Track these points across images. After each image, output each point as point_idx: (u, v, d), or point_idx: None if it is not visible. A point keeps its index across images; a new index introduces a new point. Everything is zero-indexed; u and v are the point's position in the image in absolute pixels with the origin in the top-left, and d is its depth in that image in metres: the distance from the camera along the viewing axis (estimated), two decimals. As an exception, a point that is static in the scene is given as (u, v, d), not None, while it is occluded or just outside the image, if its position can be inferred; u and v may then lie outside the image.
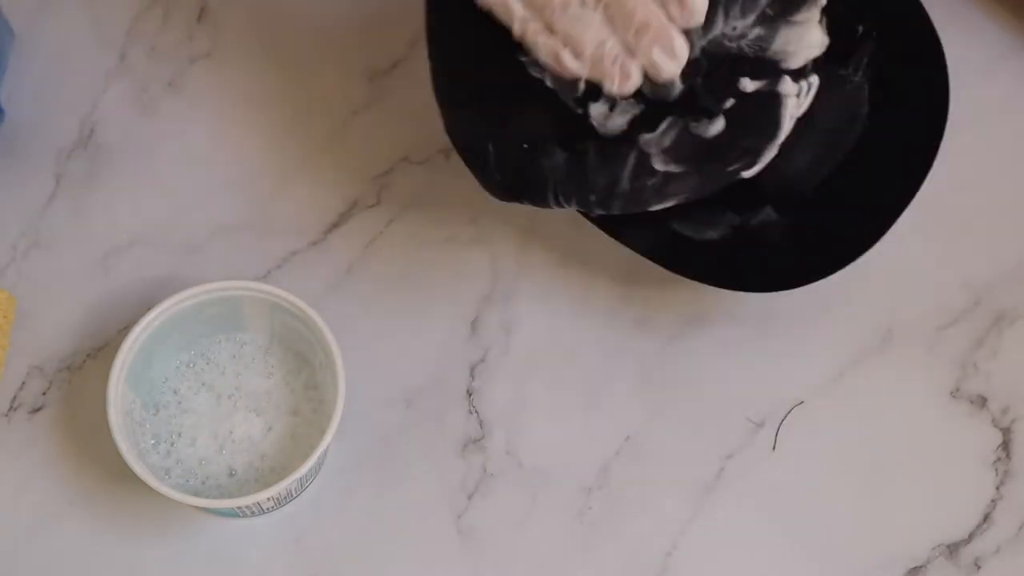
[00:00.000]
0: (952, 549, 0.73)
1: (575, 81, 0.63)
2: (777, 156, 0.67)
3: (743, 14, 0.64)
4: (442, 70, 0.68)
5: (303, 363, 0.72)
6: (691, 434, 0.74)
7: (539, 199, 0.68)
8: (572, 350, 0.76)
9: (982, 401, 0.75)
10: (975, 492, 0.74)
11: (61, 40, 0.81)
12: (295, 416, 0.72)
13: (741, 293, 0.74)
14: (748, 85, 0.65)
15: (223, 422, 0.71)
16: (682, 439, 0.74)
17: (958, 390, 0.75)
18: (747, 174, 0.67)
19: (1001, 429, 0.75)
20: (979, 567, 0.73)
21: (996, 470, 0.74)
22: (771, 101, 0.66)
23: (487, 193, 0.69)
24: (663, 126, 0.65)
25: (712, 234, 0.71)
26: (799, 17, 0.66)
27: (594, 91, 0.64)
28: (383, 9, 0.81)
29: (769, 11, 0.65)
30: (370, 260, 0.77)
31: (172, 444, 0.71)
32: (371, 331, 0.76)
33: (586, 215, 0.70)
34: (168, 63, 0.80)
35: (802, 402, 0.75)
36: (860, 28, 0.70)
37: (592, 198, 0.67)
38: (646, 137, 0.65)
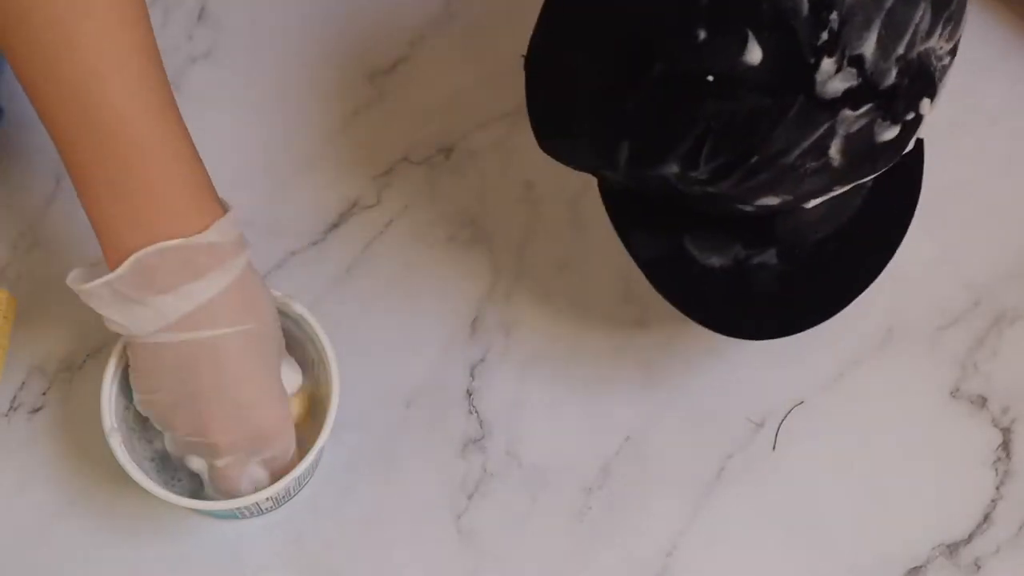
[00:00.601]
0: (952, 549, 0.73)
1: (826, 24, 0.60)
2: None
3: (951, 37, 0.64)
4: None
5: (298, 362, 0.72)
6: (691, 434, 0.74)
7: (664, 142, 0.63)
8: (572, 350, 0.76)
9: (982, 401, 0.75)
10: (975, 492, 0.74)
11: (61, 40, 0.81)
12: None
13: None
14: (925, 107, 0.64)
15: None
16: (682, 439, 0.74)
17: (958, 390, 0.75)
18: (836, 191, 0.66)
19: (1001, 429, 0.75)
20: (979, 567, 0.72)
21: (996, 470, 0.74)
22: (912, 130, 0.65)
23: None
24: (864, 109, 0.62)
25: (716, 261, 0.70)
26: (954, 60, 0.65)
27: (833, 46, 0.61)
28: (383, 9, 0.81)
29: (956, 45, 0.64)
30: (370, 260, 0.77)
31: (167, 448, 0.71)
32: (371, 331, 0.76)
33: (627, 199, 0.68)
34: (168, 63, 0.80)
35: (802, 402, 0.75)
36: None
37: (754, 159, 0.62)
38: (847, 113, 0.62)
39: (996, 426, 0.75)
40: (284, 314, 0.70)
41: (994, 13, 0.82)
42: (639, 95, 0.62)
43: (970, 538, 0.73)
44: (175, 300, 0.64)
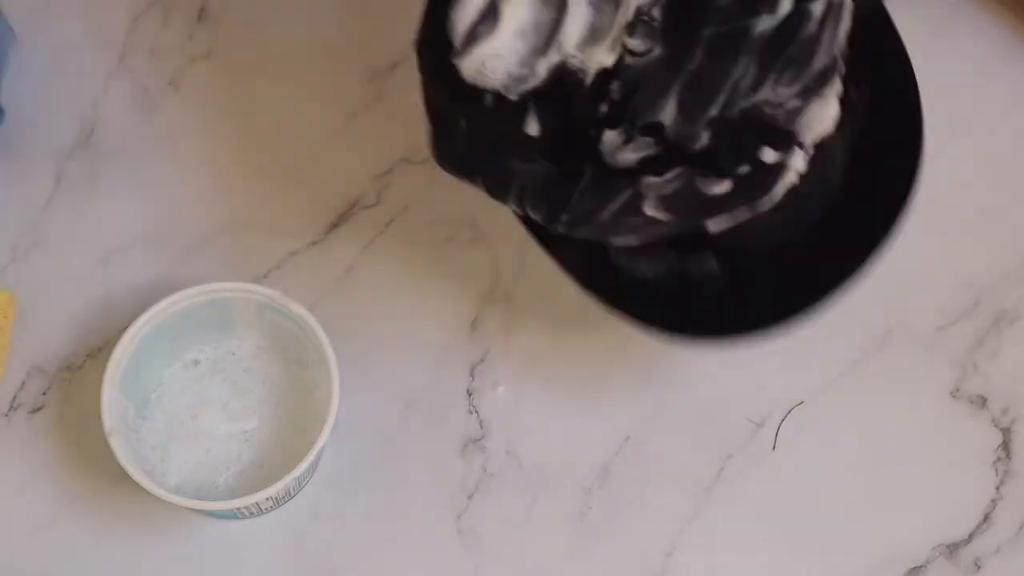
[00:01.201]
0: (952, 549, 0.73)
1: (606, 96, 0.60)
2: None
3: (791, 83, 0.61)
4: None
5: (297, 362, 0.72)
6: (691, 434, 0.74)
7: (496, 188, 0.64)
8: (572, 350, 0.76)
9: (982, 401, 0.75)
10: (975, 492, 0.74)
11: (61, 40, 0.81)
12: (291, 415, 0.72)
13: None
14: (768, 156, 0.62)
15: (218, 423, 0.71)
16: (682, 439, 0.74)
17: (958, 390, 0.75)
18: (710, 225, 0.65)
19: (1001, 429, 0.75)
20: (979, 567, 0.72)
21: (996, 470, 0.74)
22: (776, 171, 0.63)
23: (435, 157, 0.67)
24: (671, 174, 0.61)
25: (648, 271, 0.68)
26: (826, 91, 0.62)
27: (616, 118, 0.60)
28: (383, 9, 0.81)
29: (810, 83, 0.61)
30: (370, 260, 0.77)
31: (167, 448, 0.71)
32: (371, 331, 0.76)
33: (522, 219, 0.67)
34: (168, 63, 0.80)
35: (802, 402, 0.75)
36: (851, 97, 0.65)
37: (564, 218, 0.63)
38: (649, 180, 0.61)
39: (996, 426, 0.75)
40: (284, 314, 0.70)
41: (994, 13, 0.82)
42: (470, 143, 0.64)
43: (970, 538, 0.73)
44: None
